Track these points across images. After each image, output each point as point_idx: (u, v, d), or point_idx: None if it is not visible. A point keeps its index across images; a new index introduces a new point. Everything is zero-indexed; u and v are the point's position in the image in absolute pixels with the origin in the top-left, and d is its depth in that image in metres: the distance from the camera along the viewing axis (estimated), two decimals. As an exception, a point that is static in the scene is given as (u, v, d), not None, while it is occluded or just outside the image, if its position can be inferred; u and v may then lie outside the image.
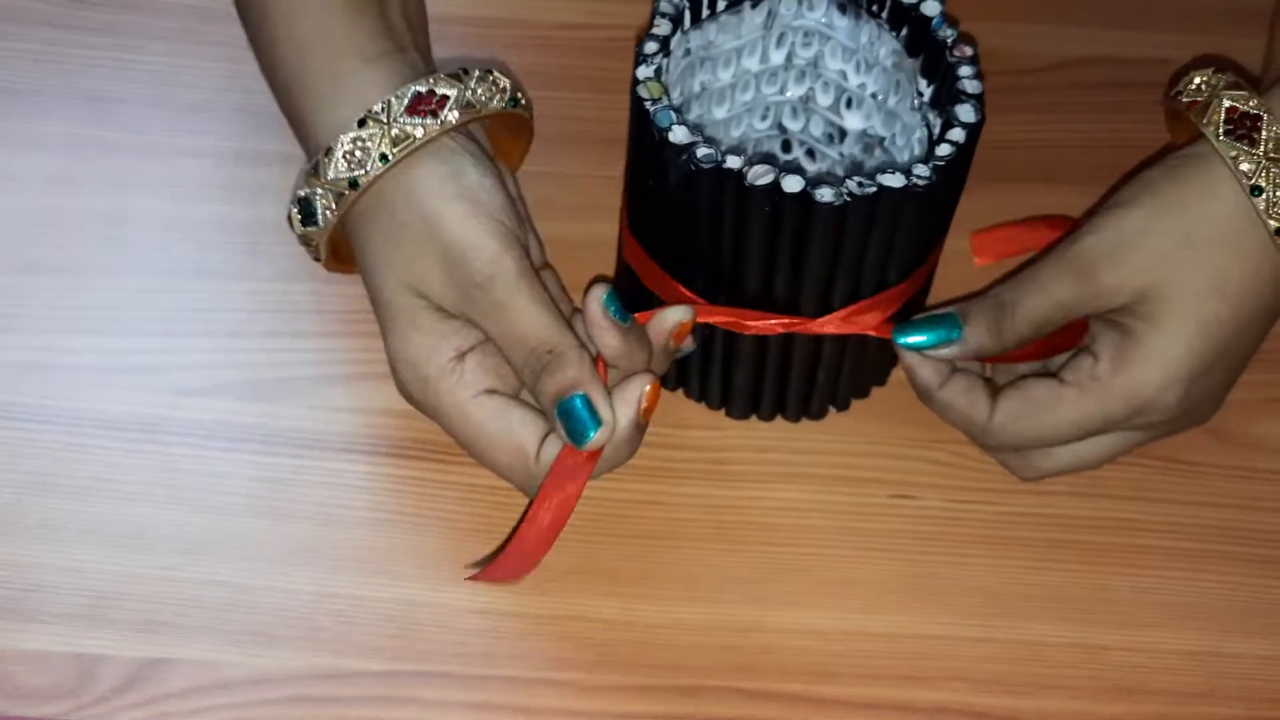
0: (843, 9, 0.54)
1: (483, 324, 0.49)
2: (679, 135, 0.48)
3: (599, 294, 0.47)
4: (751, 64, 0.56)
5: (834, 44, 0.55)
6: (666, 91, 0.49)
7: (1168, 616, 0.53)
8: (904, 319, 0.51)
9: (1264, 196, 0.47)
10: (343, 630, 0.51)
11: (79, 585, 0.51)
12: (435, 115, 0.49)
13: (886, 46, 0.53)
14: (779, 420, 0.57)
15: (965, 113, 0.49)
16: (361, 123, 0.49)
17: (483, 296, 0.48)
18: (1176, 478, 0.56)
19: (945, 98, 0.51)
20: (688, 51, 0.53)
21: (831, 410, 0.57)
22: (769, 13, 0.54)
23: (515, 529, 0.53)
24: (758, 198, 0.48)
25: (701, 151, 0.48)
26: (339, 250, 0.53)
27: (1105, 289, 0.49)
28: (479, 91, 0.50)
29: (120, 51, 0.66)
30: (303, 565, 0.52)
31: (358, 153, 0.49)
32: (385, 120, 0.49)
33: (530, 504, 0.49)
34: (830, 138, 0.58)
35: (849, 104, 0.56)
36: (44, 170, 0.62)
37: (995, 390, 0.52)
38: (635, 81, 0.50)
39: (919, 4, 0.52)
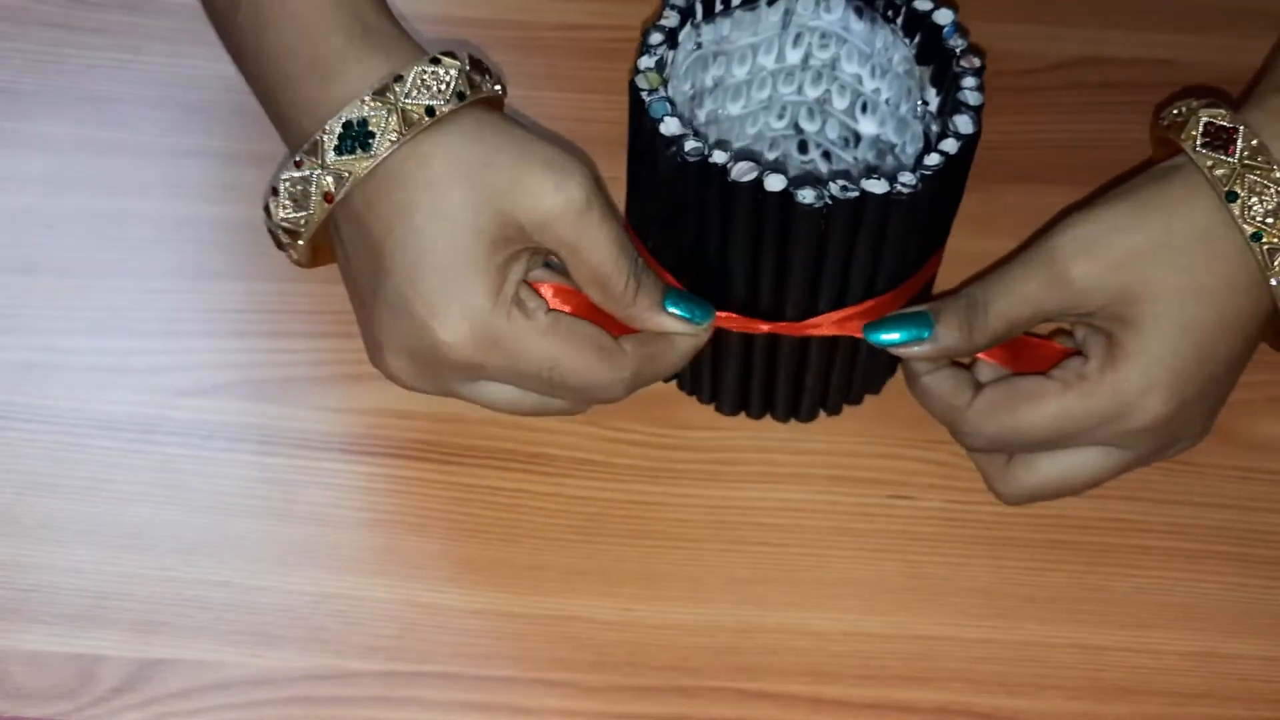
0: (859, 12, 0.54)
1: (581, 239, 0.48)
2: (670, 127, 0.48)
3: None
4: (768, 62, 0.56)
5: (850, 47, 0.55)
6: (665, 83, 0.49)
7: (1168, 617, 0.53)
8: None
9: (1239, 203, 0.47)
10: (343, 630, 0.51)
11: (79, 585, 0.51)
12: (488, 75, 0.50)
13: (900, 53, 0.53)
14: (779, 420, 0.57)
15: (963, 124, 0.49)
16: (435, 61, 0.49)
17: (586, 213, 0.48)
18: (1177, 478, 0.56)
19: (949, 107, 0.51)
20: (699, 45, 0.53)
21: (823, 413, 0.57)
22: (786, 11, 0.54)
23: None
24: (741, 194, 0.48)
25: (690, 144, 0.48)
26: (318, 243, 0.52)
27: (1078, 285, 0.48)
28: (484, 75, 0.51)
29: (120, 51, 0.66)
30: (303, 565, 0.52)
31: (433, 85, 0.48)
32: (460, 61, 0.49)
33: None
34: (846, 141, 0.57)
35: (864, 109, 0.56)
36: (44, 170, 0.62)
37: (980, 386, 0.51)
38: (635, 71, 0.50)
39: (932, 11, 0.52)
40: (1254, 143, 0.48)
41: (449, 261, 0.48)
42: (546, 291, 0.51)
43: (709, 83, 0.55)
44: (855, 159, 0.58)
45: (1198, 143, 0.49)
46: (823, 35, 0.55)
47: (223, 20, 0.53)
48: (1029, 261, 0.49)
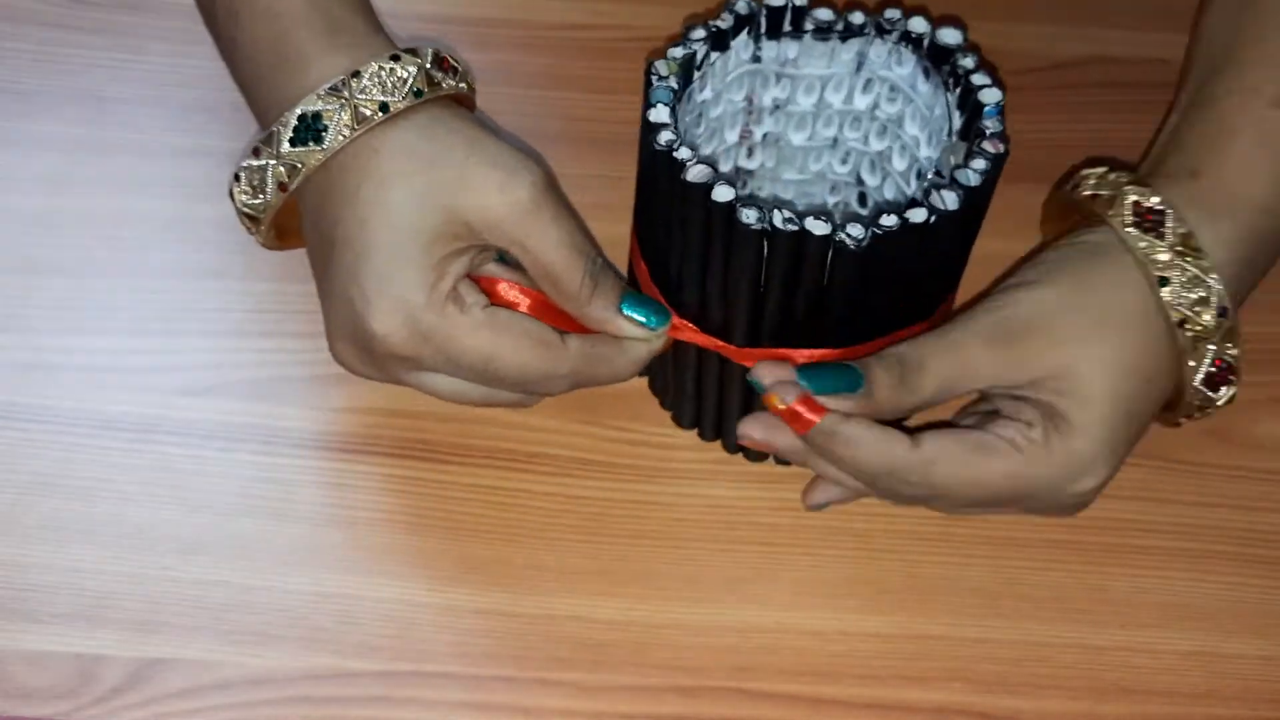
0: (926, 74, 0.52)
1: (529, 239, 0.49)
2: (658, 115, 0.49)
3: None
4: (835, 100, 0.55)
5: (915, 108, 0.54)
6: (683, 76, 0.50)
7: (1168, 616, 0.53)
8: None
9: (1169, 289, 0.49)
10: (342, 630, 0.51)
11: (79, 585, 0.51)
12: (455, 73, 0.51)
13: (950, 125, 0.52)
14: (728, 451, 0.56)
15: (949, 199, 0.48)
16: (395, 58, 0.50)
17: (534, 213, 0.49)
18: (1176, 478, 0.56)
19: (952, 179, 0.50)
20: (757, 58, 0.53)
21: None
22: (859, 54, 0.53)
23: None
24: (694, 197, 0.47)
25: (664, 136, 0.48)
26: (284, 224, 0.53)
27: (1020, 359, 0.49)
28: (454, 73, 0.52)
29: (120, 51, 0.66)
30: (303, 565, 0.52)
31: (389, 82, 0.49)
32: (421, 59, 0.50)
33: None
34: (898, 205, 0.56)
35: (917, 176, 0.55)
36: (44, 170, 0.62)
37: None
38: (651, 62, 0.50)
39: (982, 89, 0.50)
40: (1182, 231, 0.50)
41: (388, 255, 0.49)
42: (504, 287, 0.51)
43: (768, 101, 0.55)
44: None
45: (1127, 222, 0.50)
46: (892, 88, 0.54)
47: (208, 18, 0.55)
48: (969, 329, 0.50)
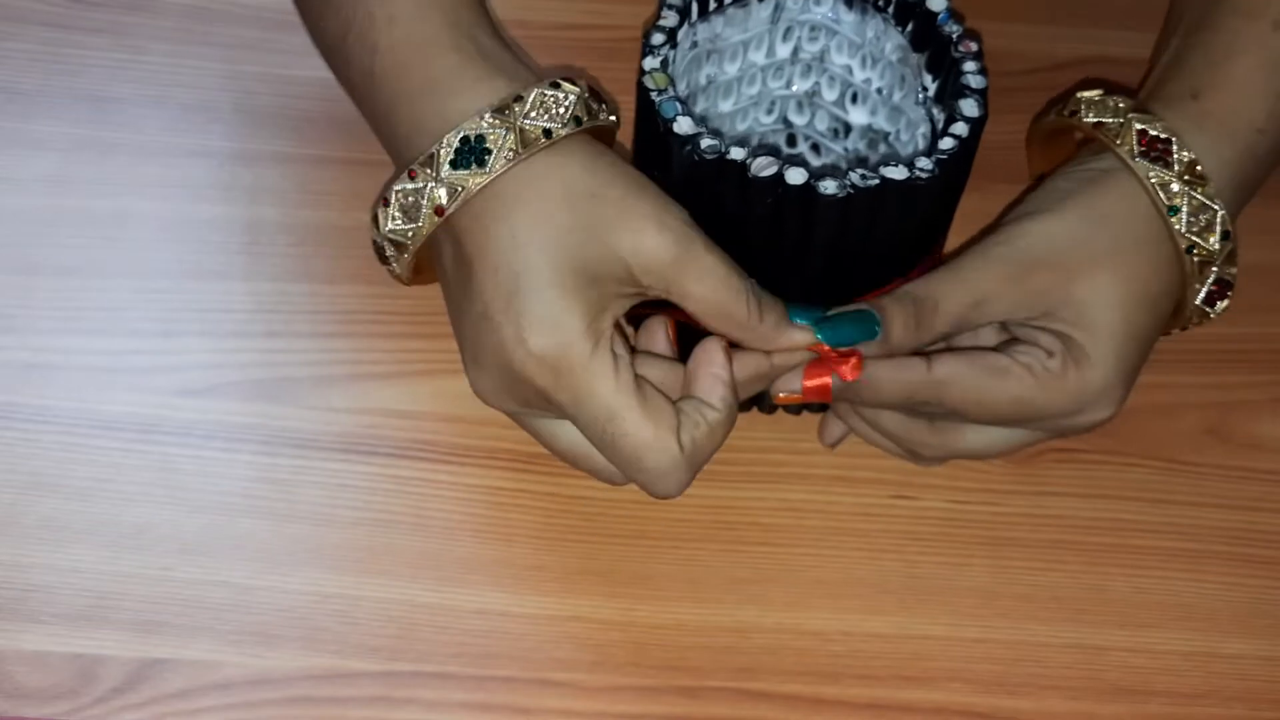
0: (849, 3, 0.54)
1: (690, 277, 0.47)
2: (684, 126, 0.48)
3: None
4: (758, 58, 0.56)
5: (840, 38, 0.55)
6: (672, 82, 0.50)
7: (1167, 617, 0.53)
8: None
9: (1179, 216, 0.50)
10: (342, 630, 0.51)
11: (79, 585, 0.51)
12: (605, 106, 0.50)
13: (892, 41, 0.54)
14: (779, 420, 0.57)
15: (969, 107, 0.50)
16: (555, 85, 0.49)
17: (690, 248, 0.47)
18: (1176, 478, 0.56)
19: (950, 92, 0.51)
20: (695, 44, 0.54)
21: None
22: (776, 6, 0.54)
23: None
24: (761, 189, 0.48)
25: (705, 143, 0.48)
26: (421, 260, 0.51)
27: (1034, 292, 0.50)
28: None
29: (120, 51, 0.66)
30: (303, 565, 0.52)
31: (552, 108, 0.48)
32: (580, 88, 0.49)
33: None
34: (835, 133, 0.58)
35: (854, 99, 0.56)
36: (44, 170, 0.62)
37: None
38: (641, 72, 0.50)
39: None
40: (1188, 158, 0.50)
41: (548, 281, 0.47)
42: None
43: (702, 81, 0.56)
44: (845, 149, 0.58)
45: (1135, 152, 0.51)
46: (812, 28, 0.55)
47: (332, 45, 0.53)
48: (981, 263, 0.50)
